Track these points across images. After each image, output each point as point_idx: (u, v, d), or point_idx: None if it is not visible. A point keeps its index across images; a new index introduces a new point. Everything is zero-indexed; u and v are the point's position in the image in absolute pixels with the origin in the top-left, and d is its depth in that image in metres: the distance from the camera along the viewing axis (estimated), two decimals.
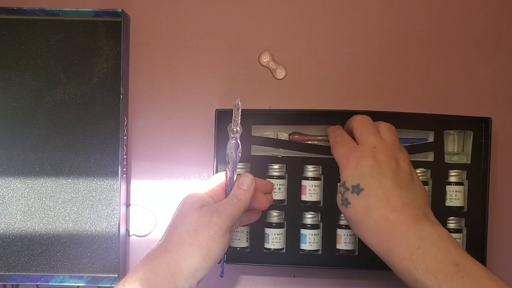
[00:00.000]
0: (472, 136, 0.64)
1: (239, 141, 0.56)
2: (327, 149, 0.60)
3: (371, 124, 0.55)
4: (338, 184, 0.54)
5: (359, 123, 0.55)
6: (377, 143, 0.53)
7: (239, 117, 0.56)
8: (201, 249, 0.50)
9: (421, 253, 0.47)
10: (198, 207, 0.52)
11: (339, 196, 0.53)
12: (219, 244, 0.51)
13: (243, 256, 0.64)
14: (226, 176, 0.56)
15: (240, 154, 0.56)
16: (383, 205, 0.50)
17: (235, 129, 0.56)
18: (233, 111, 0.56)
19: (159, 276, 0.49)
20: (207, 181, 0.57)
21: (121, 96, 0.65)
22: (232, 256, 0.64)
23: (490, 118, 0.62)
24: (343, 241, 0.63)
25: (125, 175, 0.66)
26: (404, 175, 0.52)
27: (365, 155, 0.52)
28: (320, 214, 0.64)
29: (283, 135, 0.64)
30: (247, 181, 0.55)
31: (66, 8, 0.65)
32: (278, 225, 0.64)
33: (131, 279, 0.49)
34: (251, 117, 0.64)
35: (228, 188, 0.56)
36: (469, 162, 0.64)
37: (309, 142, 0.64)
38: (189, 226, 0.51)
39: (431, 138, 0.64)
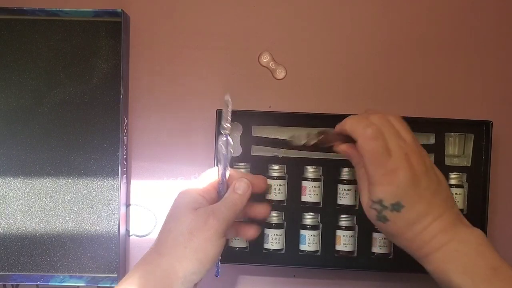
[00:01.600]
0: (472, 138, 0.64)
1: (230, 138, 0.55)
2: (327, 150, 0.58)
3: (392, 127, 0.50)
4: (368, 198, 0.50)
5: (379, 125, 0.49)
6: (406, 148, 0.49)
7: (230, 114, 0.54)
8: (197, 252, 0.49)
9: (459, 256, 0.47)
10: (193, 209, 0.51)
11: (373, 212, 0.50)
12: (215, 247, 0.50)
13: (242, 256, 0.64)
14: (218, 174, 0.55)
15: (232, 151, 0.55)
16: (424, 218, 0.49)
17: (225, 126, 0.54)
18: (223, 108, 0.55)
19: (154, 281, 0.48)
20: (198, 178, 0.56)
21: (121, 96, 0.65)
22: (232, 256, 0.64)
23: (491, 121, 0.62)
24: (342, 242, 0.63)
25: (125, 175, 0.67)
26: (433, 176, 0.50)
27: (401, 166, 0.48)
28: (319, 215, 0.64)
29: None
30: (243, 186, 0.54)
31: (66, 8, 0.65)
32: (277, 226, 0.64)
33: (125, 286, 0.48)
34: (251, 117, 0.64)
35: (220, 186, 0.55)
36: (469, 165, 0.64)
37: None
38: (183, 229, 0.50)
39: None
